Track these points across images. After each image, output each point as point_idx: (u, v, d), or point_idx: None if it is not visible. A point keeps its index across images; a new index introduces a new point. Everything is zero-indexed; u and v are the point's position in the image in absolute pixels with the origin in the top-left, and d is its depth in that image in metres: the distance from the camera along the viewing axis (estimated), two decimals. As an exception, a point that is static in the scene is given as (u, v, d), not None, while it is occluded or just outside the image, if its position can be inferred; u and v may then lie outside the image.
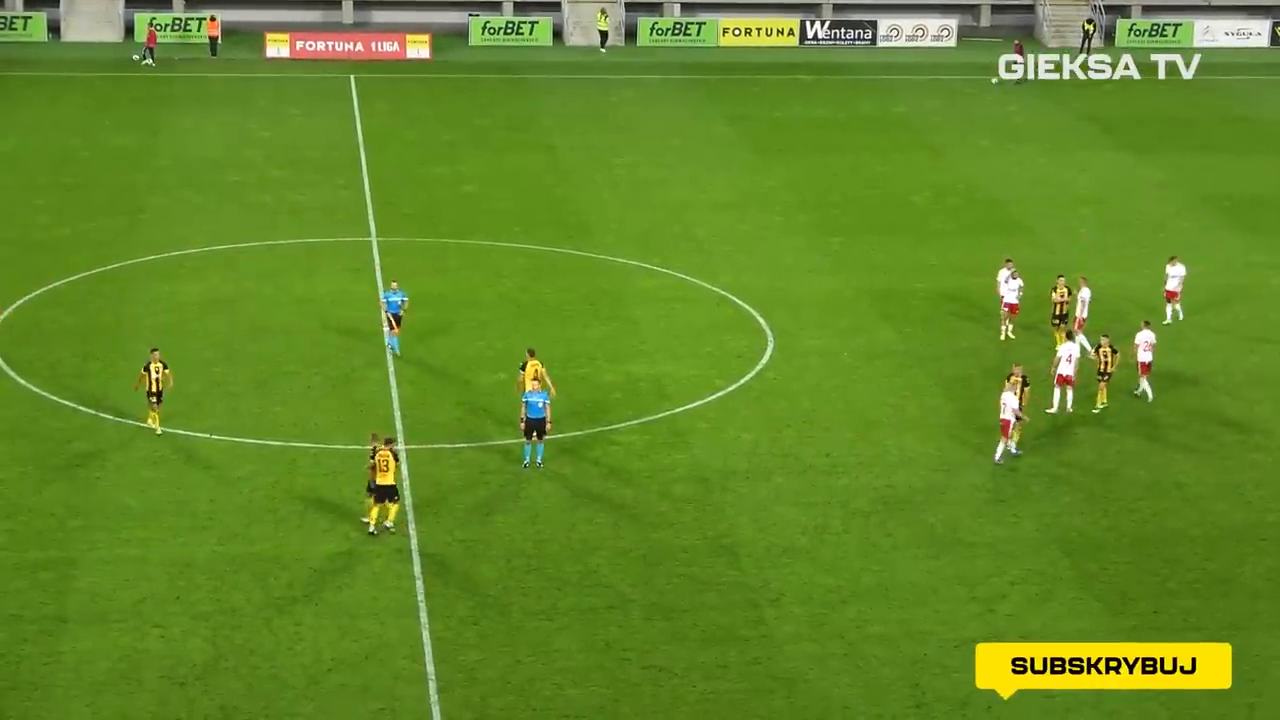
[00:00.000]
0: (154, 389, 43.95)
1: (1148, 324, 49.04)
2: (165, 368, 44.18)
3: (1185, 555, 39.94)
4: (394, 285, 50.50)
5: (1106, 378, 47.21)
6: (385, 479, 39.27)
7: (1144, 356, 48.23)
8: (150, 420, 44.39)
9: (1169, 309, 54.00)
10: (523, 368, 44.74)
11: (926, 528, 40.88)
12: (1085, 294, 51.43)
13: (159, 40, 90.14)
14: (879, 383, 49.48)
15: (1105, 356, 46.98)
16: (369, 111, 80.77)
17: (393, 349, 49.70)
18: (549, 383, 43.95)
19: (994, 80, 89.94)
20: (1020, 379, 44.13)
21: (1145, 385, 48.38)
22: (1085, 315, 51.24)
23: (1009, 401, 43.85)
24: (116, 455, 43.43)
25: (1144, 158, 75.67)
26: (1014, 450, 44.39)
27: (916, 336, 53.01)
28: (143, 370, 44.15)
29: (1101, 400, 47.31)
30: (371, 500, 39.55)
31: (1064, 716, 33.39)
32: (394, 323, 49.67)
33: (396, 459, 39.67)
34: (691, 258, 60.00)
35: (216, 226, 62.34)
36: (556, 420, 44.04)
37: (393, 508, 39.64)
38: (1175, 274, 53.97)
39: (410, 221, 63.73)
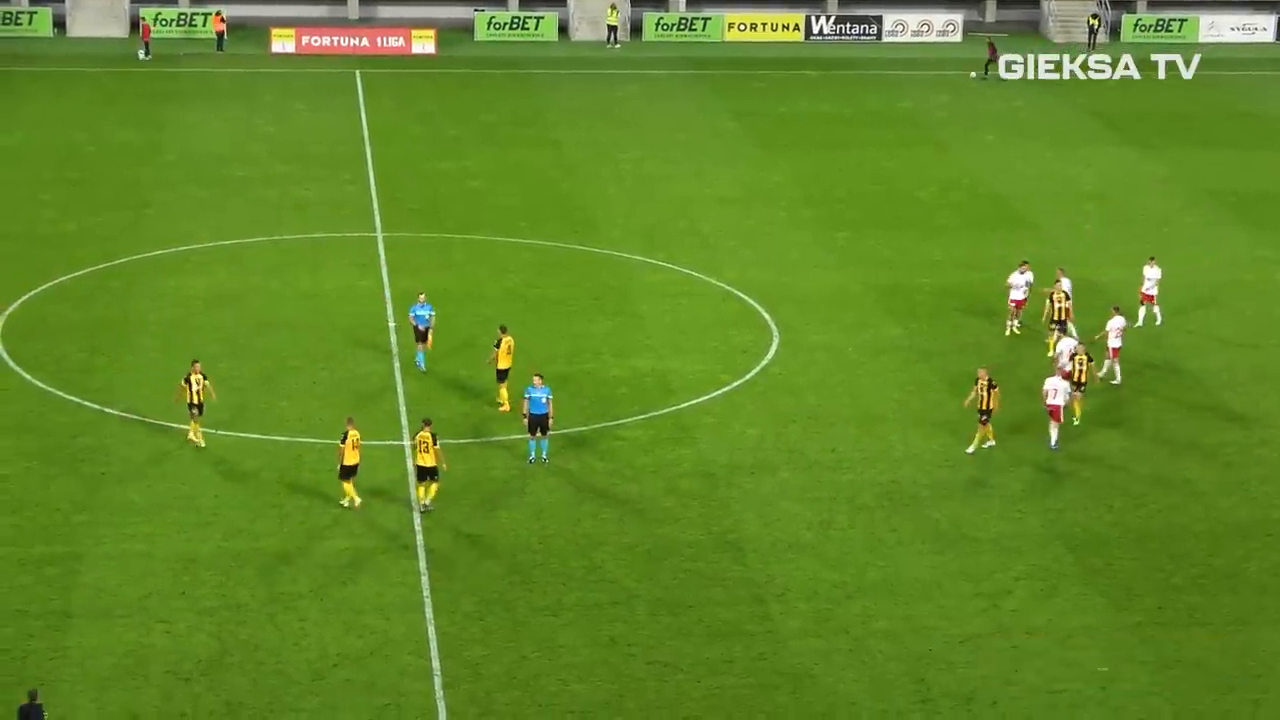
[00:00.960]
0: (194, 400, 43.50)
1: (1118, 310, 48.98)
2: (206, 379, 43.51)
3: (1190, 550, 39.93)
4: (421, 298, 49.07)
5: (1081, 389, 46.68)
6: (426, 460, 39.88)
7: (1114, 342, 48.22)
8: (192, 434, 43.74)
9: (1155, 312, 53.41)
10: (497, 345, 45.47)
11: (931, 523, 40.88)
12: (1065, 285, 51.17)
13: (153, 34, 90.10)
14: (884, 378, 49.46)
15: (1081, 365, 46.35)
16: (374, 107, 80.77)
17: (418, 364, 48.76)
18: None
19: (972, 75, 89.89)
20: (987, 381, 44.05)
21: (1115, 368, 48.38)
22: (1069, 306, 51.00)
23: (1058, 386, 43.89)
24: (122, 450, 43.46)
25: (1148, 153, 75.59)
26: (1053, 445, 44.42)
27: (922, 332, 52.99)
28: (182, 382, 43.49)
29: (1078, 412, 46.78)
30: (343, 482, 40.45)
31: (1069, 713, 33.42)
32: (423, 337, 48.41)
33: (435, 440, 40.13)
34: (697, 253, 59.98)
35: (222, 221, 62.35)
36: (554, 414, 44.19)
37: (434, 486, 40.33)
38: (1151, 276, 53.38)
39: (416, 216, 63.71)
